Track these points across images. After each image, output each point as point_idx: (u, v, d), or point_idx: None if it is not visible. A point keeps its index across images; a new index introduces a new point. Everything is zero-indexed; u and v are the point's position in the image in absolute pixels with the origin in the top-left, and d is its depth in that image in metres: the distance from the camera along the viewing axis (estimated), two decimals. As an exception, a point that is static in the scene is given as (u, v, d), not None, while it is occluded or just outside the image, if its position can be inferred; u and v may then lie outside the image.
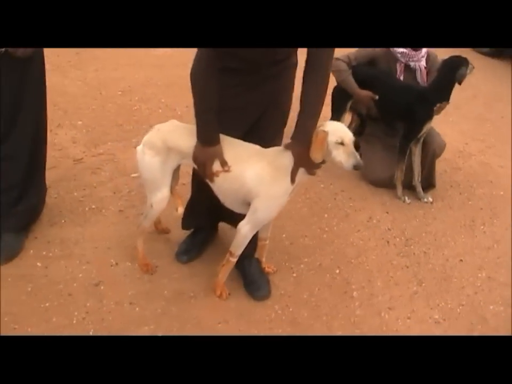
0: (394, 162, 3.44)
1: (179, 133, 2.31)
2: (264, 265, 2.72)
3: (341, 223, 3.22)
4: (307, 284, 2.75)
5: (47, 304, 2.40)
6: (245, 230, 2.32)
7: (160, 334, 2.33)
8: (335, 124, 2.16)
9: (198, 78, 2.12)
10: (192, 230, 2.83)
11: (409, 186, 3.57)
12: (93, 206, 3.00)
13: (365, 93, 3.34)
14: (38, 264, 2.59)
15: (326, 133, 2.09)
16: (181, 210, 2.51)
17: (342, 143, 2.10)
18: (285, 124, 2.47)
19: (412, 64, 3.42)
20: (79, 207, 2.97)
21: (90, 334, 2.29)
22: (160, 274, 2.65)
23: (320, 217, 3.21)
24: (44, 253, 2.66)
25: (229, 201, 2.37)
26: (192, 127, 2.24)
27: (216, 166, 2.24)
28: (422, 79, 3.45)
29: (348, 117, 3.69)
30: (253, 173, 2.22)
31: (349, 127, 3.54)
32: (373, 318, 2.62)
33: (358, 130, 3.64)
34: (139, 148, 2.38)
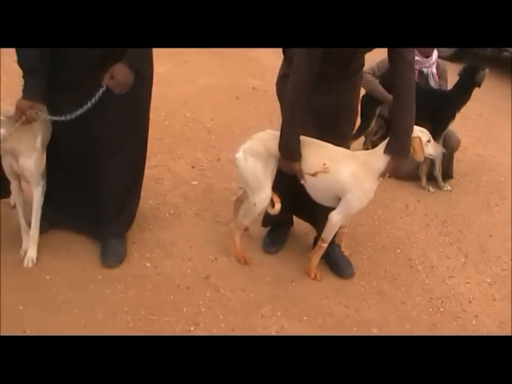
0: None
1: (277, 140, 2.71)
2: (343, 249, 3.16)
3: (385, 212, 3.71)
4: (378, 263, 3.20)
5: (171, 297, 2.70)
6: (336, 218, 2.77)
7: (279, 314, 2.70)
8: (418, 128, 2.70)
9: (295, 90, 2.56)
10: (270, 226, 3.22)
11: (428, 177, 4.12)
12: (171, 212, 3.31)
13: None
14: (147, 264, 2.89)
15: (420, 138, 2.62)
16: (278, 206, 2.89)
17: (429, 141, 2.66)
18: (353, 127, 2.98)
19: (424, 70, 4.00)
20: (160, 214, 3.27)
21: (221, 318, 2.62)
22: (256, 265, 3.01)
23: (366, 209, 3.68)
24: (148, 255, 2.95)
25: (320, 195, 2.81)
26: None
27: (315, 167, 2.68)
28: (434, 83, 4.03)
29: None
30: (348, 172, 2.69)
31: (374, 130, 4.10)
32: (440, 285, 3.11)
33: (383, 133, 4.15)
34: (239, 155, 2.78)
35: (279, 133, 2.68)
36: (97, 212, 2.85)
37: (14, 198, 2.86)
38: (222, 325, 2.58)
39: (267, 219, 3.18)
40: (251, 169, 2.75)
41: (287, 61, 2.76)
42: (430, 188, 4.06)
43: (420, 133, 2.71)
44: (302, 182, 2.72)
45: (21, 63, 2.46)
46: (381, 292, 2.96)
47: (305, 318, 2.71)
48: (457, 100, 3.80)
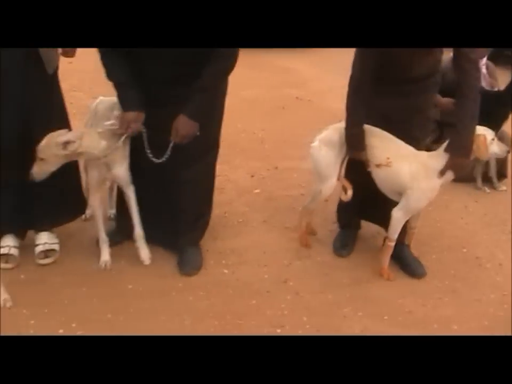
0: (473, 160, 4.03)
1: None
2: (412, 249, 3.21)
3: (445, 213, 3.76)
4: (447, 262, 3.24)
5: (253, 302, 2.77)
6: (397, 215, 2.85)
7: (359, 314, 2.75)
8: (482, 127, 2.76)
9: (351, 84, 2.75)
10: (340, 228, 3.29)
11: (483, 178, 4.17)
12: (240, 220, 3.39)
13: (446, 100, 3.90)
14: (225, 271, 2.97)
15: (484, 136, 2.68)
16: (350, 193, 2.99)
17: (493, 139, 2.71)
18: (427, 132, 3.03)
19: None
20: (228, 222, 3.36)
21: (304, 319, 2.68)
22: (330, 268, 3.07)
23: (426, 210, 3.74)
24: (223, 262, 3.03)
25: (384, 187, 2.90)
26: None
27: (379, 159, 2.80)
28: (486, 84, 4.09)
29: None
30: (408, 170, 2.77)
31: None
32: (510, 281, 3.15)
33: (436, 137, 4.20)
34: (314, 144, 2.94)
35: None
36: (173, 222, 2.94)
37: (92, 211, 2.95)
38: (307, 326, 2.64)
39: (339, 220, 3.27)
40: (323, 158, 2.93)
41: None
42: (486, 188, 4.10)
43: (484, 131, 2.77)
44: (368, 170, 2.86)
45: (111, 77, 2.57)
46: (454, 290, 3.00)
47: (386, 317, 2.75)
48: (510, 100, 3.85)
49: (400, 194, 2.84)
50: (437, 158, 2.77)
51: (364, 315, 2.75)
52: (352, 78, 2.76)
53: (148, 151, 2.64)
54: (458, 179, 3.83)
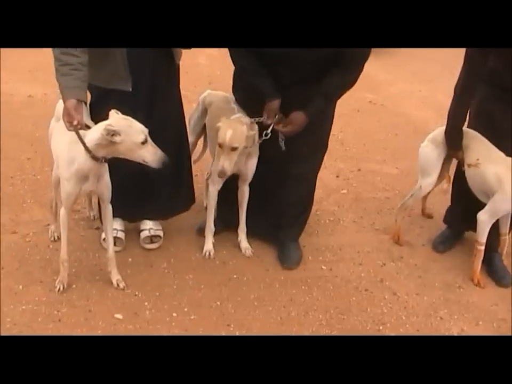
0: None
1: None
2: (503, 257, 3.27)
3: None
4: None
5: (353, 298, 2.87)
6: (483, 217, 2.94)
7: (455, 317, 2.83)
8: None
9: (459, 87, 2.83)
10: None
11: None
12: (331, 218, 3.50)
13: None
14: (323, 267, 3.07)
15: None
16: (446, 186, 3.27)
17: None
18: None
19: None
20: (320, 220, 3.46)
21: (403, 319, 2.77)
22: (424, 271, 3.14)
23: None
24: (320, 258, 3.14)
25: (473, 188, 3.03)
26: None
27: (470, 159, 2.96)
28: None
29: None
30: (493, 172, 2.87)
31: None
32: None
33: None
34: (424, 144, 3.13)
35: None
36: (276, 216, 3.05)
37: (210, 200, 3.03)
38: (407, 325, 2.73)
39: (448, 219, 3.40)
40: (428, 156, 3.11)
41: None
42: None
43: None
44: (463, 169, 3.02)
45: (245, 71, 2.71)
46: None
47: (480, 322, 2.82)
48: None
49: (488, 196, 2.93)
50: None
51: (459, 318, 2.82)
52: (458, 81, 2.85)
53: (281, 139, 2.74)
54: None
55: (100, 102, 2.65)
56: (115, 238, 2.96)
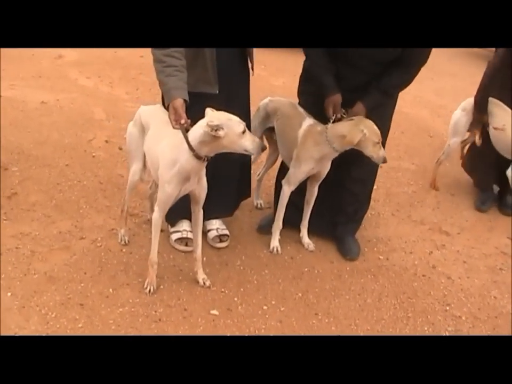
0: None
1: None
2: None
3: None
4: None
5: (415, 284, 3.18)
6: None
7: (507, 296, 3.18)
8: None
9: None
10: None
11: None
12: (372, 213, 3.79)
13: None
14: (380, 257, 3.36)
15: None
16: (478, 140, 3.95)
17: None
18: None
19: None
20: (368, 214, 3.72)
21: (463, 299, 3.10)
22: (466, 256, 3.50)
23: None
24: (375, 249, 3.44)
25: (500, 148, 3.77)
26: None
27: (497, 123, 3.73)
28: None
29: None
30: None
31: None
32: None
33: None
34: (456, 111, 3.98)
35: None
36: (335, 213, 3.31)
37: (282, 200, 3.21)
38: (468, 305, 3.06)
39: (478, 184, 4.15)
40: (459, 120, 4.00)
41: None
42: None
43: None
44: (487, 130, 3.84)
45: (314, 66, 2.97)
46: None
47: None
48: None
49: None
50: None
51: (509, 297, 3.17)
52: (492, 61, 3.76)
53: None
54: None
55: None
56: (186, 239, 3.14)
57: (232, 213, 3.32)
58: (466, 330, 2.84)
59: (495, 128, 3.76)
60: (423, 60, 2.92)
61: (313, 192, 3.20)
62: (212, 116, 2.40)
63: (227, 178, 3.07)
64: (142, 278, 2.86)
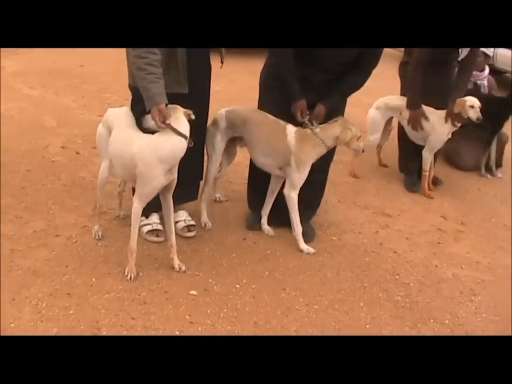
0: (477, 152, 5.18)
1: None
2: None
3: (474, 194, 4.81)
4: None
5: (367, 259, 3.60)
6: (426, 154, 4.48)
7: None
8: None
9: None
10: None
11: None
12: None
13: None
14: (333, 238, 3.78)
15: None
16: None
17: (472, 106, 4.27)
18: None
19: (478, 82, 5.20)
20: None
21: (409, 269, 3.55)
22: (407, 232, 3.97)
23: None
24: (328, 231, 3.85)
25: (414, 137, 4.58)
26: None
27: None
28: (486, 93, 5.25)
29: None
30: (428, 122, 4.37)
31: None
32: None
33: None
34: (371, 110, 4.48)
35: None
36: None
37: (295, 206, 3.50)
38: (415, 274, 3.51)
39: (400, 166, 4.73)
40: (375, 118, 4.63)
41: None
42: (488, 175, 5.23)
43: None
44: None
45: (283, 71, 3.32)
46: None
47: (463, 266, 3.66)
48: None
49: (425, 140, 4.47)
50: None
51: (448, 265, 3.65)
52: (413, 60, 4.31)
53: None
54: (465, 167, 4.95)
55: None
56: (157, 231, 3.43)
57: (197, 197, 3.61)
58: (415, 293, 3.27)
59: (426, 119, 4.39)
60: (376, 62, 3.38)
61: (279, 184, 3.56)
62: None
63: (187, 164, 3.22)
64: (121, 268, 3.11)
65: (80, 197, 3.82)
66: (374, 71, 3.43)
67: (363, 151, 3.43)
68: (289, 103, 3.36)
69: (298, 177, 3.35)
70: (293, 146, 3.29)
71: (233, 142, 3.56)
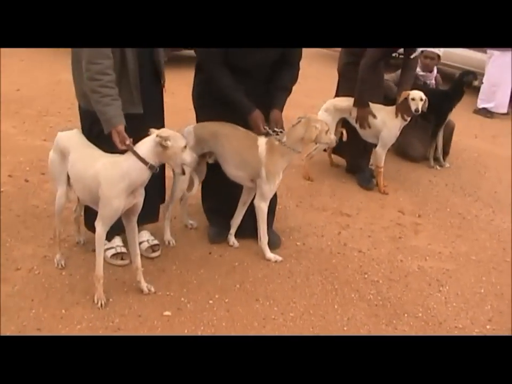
0: (426, 144, 5.35)
1: None
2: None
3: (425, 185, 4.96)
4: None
5: (334, 261, 3.66)
6: (379, 150, 4.67)
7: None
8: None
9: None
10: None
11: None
12: (279, 207, 4.22)
13: None
14: (297, 243, 3.82)
15: None
16: (345, 137, 4.45)
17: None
18: None
19: (428, 82, 5.41)
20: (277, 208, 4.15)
21: (376, 266, 3.64)
22: (368, 230, 4.06)
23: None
24: (291, 237, 3.89)
25: (366, 135, 4.71)
26: None
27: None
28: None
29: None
30: (379, 119, 4.58)
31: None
32: None
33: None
34: (320, 113, 4.45)
35: None
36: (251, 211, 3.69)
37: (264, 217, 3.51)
38: (382, 271, 3.59)
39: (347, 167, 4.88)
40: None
41: None
42: (437, 166, 5.41)
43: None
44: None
45: (225, 89, 3.33)
46: (459, 235, 4.14)
47: (427, 257, 3.78)
48: (454, 96, 5.19)
49: (377, 137, 4.60)
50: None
51: (413, 259, 3.75)
52: (363, 65, 4.39)
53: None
54: (414, 159, 5.11)
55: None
56: (121, 254, 3.39)
57: (158, 219, 3.58)
58: (385, 290, 3.35)
59: (373, 116, 4.53)
60: (300, 57, 3.49)
61: (252, 195, 3.55)
62: (158, 132, 2.75)
63: (148, 185, 3.24)
64: (89, 295, 3.05)
65: (35, 226, 3.72)
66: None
67: (337, 142, 3.43)
68: (231, 117, 3.37)
69: (269, 189, 3.36)
70: (263, 158, 3.30)
71: (202, 158, 3.48)
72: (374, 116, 4.50)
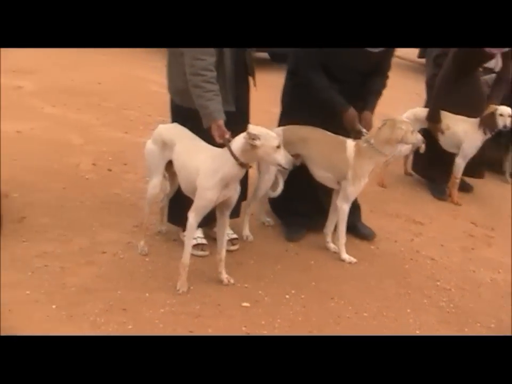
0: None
1: None
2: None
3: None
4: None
5: (407, 266, 3.72)
6: (459, 161, 4.65)
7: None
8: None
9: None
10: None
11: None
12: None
13: None
14: (372, 247, 3.89)
15: None
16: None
17: None
18: None
19: None
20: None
21: (448, 275, 3.67)
22: (440, 239, 4.10)
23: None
24: (364, 240, 3.96)
25: (447, 146, 4.75)
26: None
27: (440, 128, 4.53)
28: None
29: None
30: (461, 130, 4.61)
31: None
32: None
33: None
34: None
35: None
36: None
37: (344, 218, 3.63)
38: (455, 279, 3.63)
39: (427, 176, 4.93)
40: None
41: None
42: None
43: None
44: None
45: (320, 87, 3.47)
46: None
47: (500, 270, 3.80)
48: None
49: (458, 147, 4.61)
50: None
51: (485, 270, 3.78)
52: (443, 72, 4.47)
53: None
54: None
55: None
56: (202, 245, 3.52)
57: (239, 215, 3.71)
58: (457, 299, 3.39)
59: (442, 132, 4.56)
60: (390, 66, 3.64)
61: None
62: (251, 128, 2.82)
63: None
64: (171, 282, 3.19)
65: (119, 213, 3.90)
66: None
67: (424, 142, 3.52)
68: (319, 122, 3.53)
69: (353, 190, 3.47)
70: (351, 160, 3.41)
71: None
72: (442, 132, 4.59)
